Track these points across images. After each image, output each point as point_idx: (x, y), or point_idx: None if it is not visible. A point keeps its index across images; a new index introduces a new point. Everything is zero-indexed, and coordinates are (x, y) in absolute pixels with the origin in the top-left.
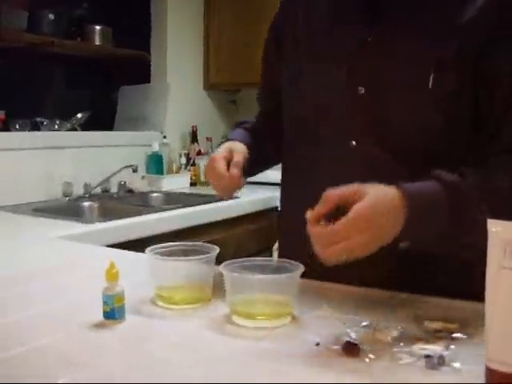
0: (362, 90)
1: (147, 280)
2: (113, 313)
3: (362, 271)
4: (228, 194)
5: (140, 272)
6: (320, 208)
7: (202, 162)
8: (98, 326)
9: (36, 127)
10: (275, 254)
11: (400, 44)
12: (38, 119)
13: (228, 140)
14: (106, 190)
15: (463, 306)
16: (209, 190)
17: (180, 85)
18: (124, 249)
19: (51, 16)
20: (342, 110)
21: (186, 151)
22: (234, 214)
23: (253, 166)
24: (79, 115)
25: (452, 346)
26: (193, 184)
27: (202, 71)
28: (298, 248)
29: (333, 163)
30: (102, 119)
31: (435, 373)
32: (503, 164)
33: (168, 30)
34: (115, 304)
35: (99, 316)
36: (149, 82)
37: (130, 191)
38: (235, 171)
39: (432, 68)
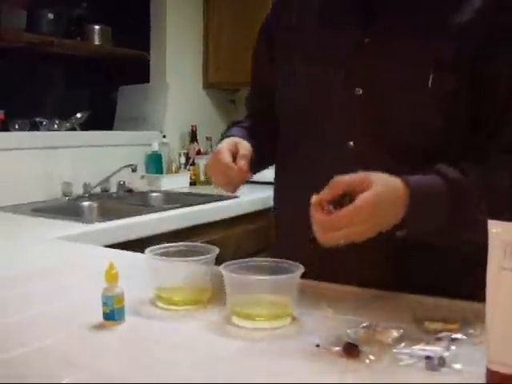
0: (359, 91)
1: (147, 281)
2: (112, 314)
3: (361, 271)
4: (232, 188)
5: (139, 273)
6: (326, 194)
7: (201, 162)
8: (98, 327)
9: (35, 127)
10: None
11: (397, 44)
12: (38, 119)
13: (226, 136)
14: (105, 190)
15: (463, 306)
16: (208, 190)
17: (179, 84)
18: (123, 248)
19: (50, 15)
20: (340, 111)
21: (186, 151)
22: (233, 214)
23: (255, 164)
24: (78, 115)
25: (452, 347)
26: (192, 183)
27: (201, 71)
28: (293, 248)
29: (331, 164)
30: (102, 119)
31: (436, 374)
32: (503, 162)
33: (167, 29)
34: (115, 305)
35: (99, 317)
36: (148, 81)
37: (130, 191)
38: (243, 162)
39: (431, 67)
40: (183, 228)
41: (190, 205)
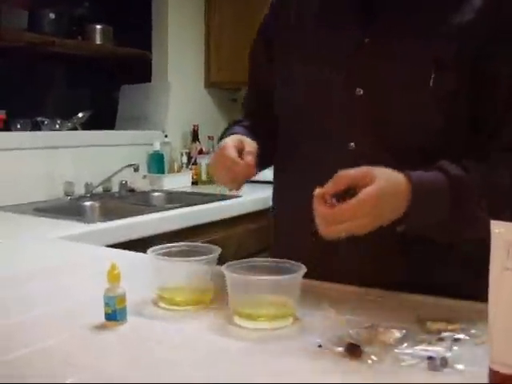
0: (360, 92)
1: (149, 281)
2: (114, 314)
3: (362, 271)
4: (236, 185)
5: (142, 273)
6: (329, 187)
7: (203, 161)
8: (100, 327)
9: (37, 127)
10: None
11: (398, 44)
12: (39, 119)
13: (228, 135)
14: (107, 190)
15: (466, 306)
16: (210, 189)
17: (181, 83)
18: (125, 248)
19: (52, 15)
20: (340, 111)
21: (188, 150)
22: (235, 213)
23: (259, 162)
24: (80, 114)
25: (455, 348)
26: (194, 183)
27: (202, 70)
28: (292, 247)
29: (331, 164)
30: (103, 118)
31: (438, 374)
32: (503, 161)
33: (169, 28)
34: (117, 306)
35: (101, 317)
36: (150, 80)
37: (132, 190)
38: (250, 158)
39: (433, 67)
40: (185, 227)
41: (192, 204)
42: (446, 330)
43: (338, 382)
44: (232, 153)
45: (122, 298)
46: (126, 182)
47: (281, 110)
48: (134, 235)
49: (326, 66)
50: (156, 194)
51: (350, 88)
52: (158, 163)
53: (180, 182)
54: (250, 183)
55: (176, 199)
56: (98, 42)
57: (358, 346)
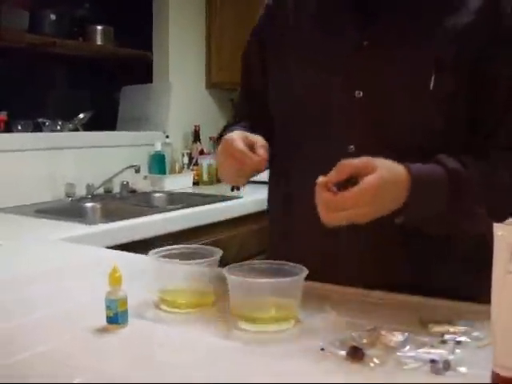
0: (359, 94)
1: (150, 283)
2: (116, 317)
3: (361, 273)
4: (243, 179)
5: (143, 275)
6: (332, 176)
7: (204, 162)
8: (102, 330)
9: (38, 128)
10: None
11: (397, 47)
12: (40, 120)
13: (225, 133)
14: (108, 191)
15: (469, 308)
16: (212, 190)
17: (182, 84)
18: (127, 249)
19: (53, 16)
20: (340, 114)
21: (189, 151)
22: (236, 214)
23: None
24: (81, 115)
25: (457, 350)
26: (195, 184)
27: (203, 70)
28: (287, 249)
29: (332, 166)
30: (104, 119)
31: (441, 377)
32: (503, 160)
33: (170, 29)
34: (118, 308)
35: (102, 320)
36: (151, 81)
37: (133, 191)
38: (262, 151)
39: (433, 69)
40: (186, 228)
41: (194, 205)
42: (448, 333)
43: (341, 381)
44: (240, 144)
45: (124, 301)
46: (128, 182)
47: (278, 110)
48: (136, 236)
49: (325, 68)
50: (157, 194)
51: (350, 90)
52: (159, 164)
53: (181, 182)
54: (251, 184)
55: (177, 200)
56: (99, 42)
57: (361, 349)
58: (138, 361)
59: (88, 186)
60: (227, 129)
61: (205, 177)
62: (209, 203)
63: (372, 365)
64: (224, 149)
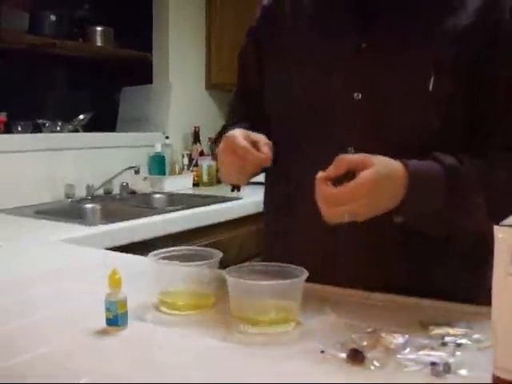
0: (358, 96)
1: (150, 285)
2: (116, 319)
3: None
4: (245, 177)
5: (143, 277)
6: (331, 171)
7: (204, 163)
8: (101, 332)
9: (38, 129)
10: None
11: (396, 49)
12: (40, 121)
13: (224, 132)
14: (108, 192)
15: (469, 311)
16: (212, 191)
17: (182, 85)
18: (127, 250)
19: (53, 17)
20: (339, 116)
21: (189, 152)
22: (236, 215)
23: None
24: (81, 116)
25: (458, 353)
26: (195, 185)
27: (203, 71)
28: (285, 249)
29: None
30: (104, 120)
31: (441, 380)
32: (500, 160)
33: (170, 30)
34: (118, 310)
35: (102, 322)
36: (151, 82)
37: (133, 192)
38: (267, 149)
39: (432, 70)
40: (186, 230)
41: (194, 206)
42: (448, 335)
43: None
44: (242, 141)
45: (123, 303)
46: (127, 184)
47: (276, 110)
48: (136, 237)
49: (323, 69)
50: (157, 196)
51: (349, 92)
52: (159, 165)
53: (181, 183)
54: (251, 185)
55: (177, 201)
56: (99, 43)
57: (361, 352)
58: (137, 362)
59: (88, 187)
60: (225, 129)
61: (205, 178)
62: (209, 204)
63: (372, 367)
64: (225, 146)
